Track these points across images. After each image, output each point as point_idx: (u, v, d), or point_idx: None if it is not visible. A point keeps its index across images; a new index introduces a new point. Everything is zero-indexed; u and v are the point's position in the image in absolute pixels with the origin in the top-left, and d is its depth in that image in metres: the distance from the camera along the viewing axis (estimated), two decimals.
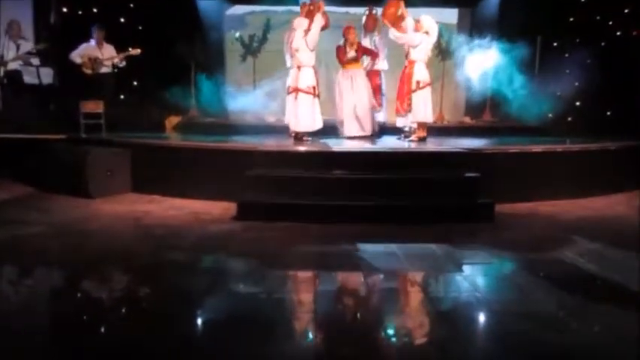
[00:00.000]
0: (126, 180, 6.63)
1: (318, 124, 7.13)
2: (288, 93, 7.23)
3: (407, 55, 7.22)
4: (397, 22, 7.28)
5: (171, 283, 3.61)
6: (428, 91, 7.14)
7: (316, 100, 7.11)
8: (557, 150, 6.77)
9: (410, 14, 7.37)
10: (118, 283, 3.72)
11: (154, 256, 4.19)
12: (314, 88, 7.03)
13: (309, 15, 7.10)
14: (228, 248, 4.45)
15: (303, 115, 7.02)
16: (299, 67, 7.03)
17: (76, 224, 5.13)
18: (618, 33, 9.07)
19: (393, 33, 7.15)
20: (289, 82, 7.24)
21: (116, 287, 3.65)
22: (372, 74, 7.95)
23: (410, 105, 7.12)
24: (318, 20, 6.96)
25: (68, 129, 7.58)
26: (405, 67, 7.24)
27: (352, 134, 7.58)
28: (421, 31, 7.05)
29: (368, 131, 7.63)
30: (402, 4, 7.44)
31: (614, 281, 3.66)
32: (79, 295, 3.53)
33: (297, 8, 10.36)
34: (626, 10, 8.89)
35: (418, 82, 7.03)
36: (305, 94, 6.99)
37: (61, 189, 6.39)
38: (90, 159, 6.34)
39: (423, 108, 7.09)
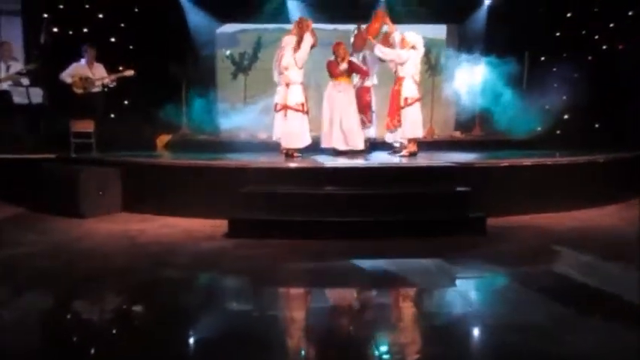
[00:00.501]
0: (117, 199, 6.60)
1: (307, 141, 7.17)
2: (277, 110, 7.27)
3: (395, 72, 7.29)
4: (384, 37, 7.37)
5: (166, 301, 3.60)
6: (417, 107, 7.20)
7: (305, 116, 7.16)
8: (547, 163, 6.82)
9: (397, 29, 7.46)
10: (115, 301, 3.70)
11: (149, 273, 4.18)
12: (302, 104, 7.07)
13: (299, 33, 7.18)
14: (220, 266, 4.44)
15: (293, 132, 7.06)
16: (287, 85, 7.08)
17: (70, 244, 5.10)
18: (604, 47, 9.21)
19: (379, 49, 7.23)
20: (278, 99, 7.28)
21: (113, 305, 3.63)
22: (362, 91, 7.98)
23: (399, 121, 7.19)
24: (308, 39, 7.03)
25: (58, 149, 7.55)
26: (395, 83, 7.30)
27: (337, 147, 7.58)
28: (407, 48, 7.13)
29: (354, 146, 7.62)
30: (388, 19, 7.53)
31: (607, 293, 3.67)
32: (74, 313, 3.51)
33: (287, 26, 10.51)
34: (611, 25, 9.05)
35: (406, 99, 7.10)
36: (294, 111, 7.03)
37: (53, 209, 6.36)
38: (81, 178, 6.31)
39: (413, 124, 7.15)
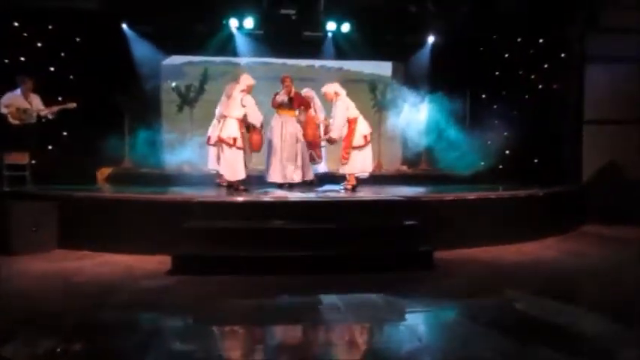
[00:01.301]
0: (53, 235, 6.26)
1: (240, 175, 7.07)
2: (213, 144, 7.34)
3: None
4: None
5: (102, 345, 3.36)
6: (369, 144, 7.36)
7: (240, 151, 7.04)
8: (490, 197, 7.01)
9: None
10: (45, 347, 3.41)
11: (83, 316, 3.91)
12: (235, 139, 6.97)
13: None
14: (163, 305, 4.23)
15: (228, 165, 7.03)
16: (224, 117, 7.06)
17: None
18: (540, 86, 9.68)
19: (335, 132, 7.32)
20: (216, 131, 7.29)
21: (42, 352, 3.34)
22: (309, 126, 7.99)
23: (348, 158, 7.23)
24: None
25: None
26: (349, 123, 7.32)
27: (277, 180, 7.59)
28: (334, 100, 7.30)
29: (292, 179, 7.63)
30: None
31: (552, 324, 3.72)
32: None
33: (234, 59, 10.52)
34: (545, 66, 9.54)
35: (365, 137, 7.23)
36: (227, 145, 6.97)
37: None
38: (13, 213, 5.99)
39: (367, 161, 7.34)
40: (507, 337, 3.48)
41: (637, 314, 3.96)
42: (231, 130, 6.98)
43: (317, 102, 8.02)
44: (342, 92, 7.36)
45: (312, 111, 7.89)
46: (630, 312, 4.04)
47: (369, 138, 7.32)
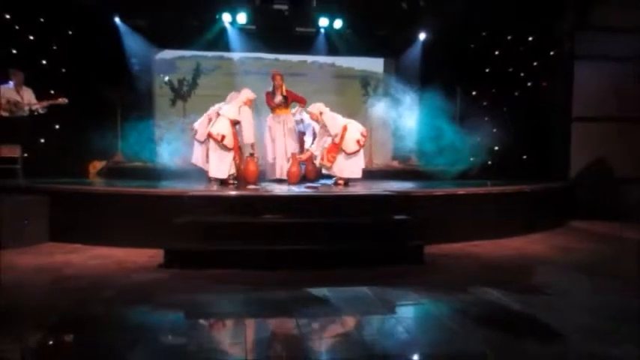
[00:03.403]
0: (44, 229, 6.27)
1: (222, 174, 7.09)
2: (202, 140, 7.35)
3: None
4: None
5: (91, 340, 3.38)
6: (361, 154, 7.36)
7: (228, 152, 7.08)
8: (480, 192, 7.08)
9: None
10: (33, 342, 3.43)
11: (72, 310, 3.92)
12: (223, 136, 6.99)
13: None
14: (154, 298, 4.25)
15: (213, 161, 7.07)
16: (218, 115, 7.11)
17: None
18: (529, 84, 9.76)
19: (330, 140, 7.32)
20: (203, 128, 7.32)
21: (31, 346, 3.37)
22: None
23: (333, 160, 7.23)
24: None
25: None
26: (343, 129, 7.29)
27: (281, 177, 7.69)
28: (320, 117, 7.27)
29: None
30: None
31: (538, 318, 3.80)
32: None
33: (226, 54, 10.52)
34: (535, 63, 9.62)
35: (358, 141, 7.23)
36: (214, 140, 7.01)
37: None
38: (4, 207, 5.97)
39: (358, 167, 7.33)
40: (496, 331, 3.55)
41: (624, 309, 4.04)
42: (222, 127, 7.01)
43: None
44: (326, 110, 7.33)
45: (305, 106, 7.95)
46: (617, 306, 4.12)
47: (362, 142, 7.26)
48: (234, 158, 7.12)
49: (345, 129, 7.20)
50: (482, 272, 5.16)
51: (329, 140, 7.27)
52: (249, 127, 7.17)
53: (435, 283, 4.71)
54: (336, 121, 7.25)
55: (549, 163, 9.27)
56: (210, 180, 7.27)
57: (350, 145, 7.20)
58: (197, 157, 7.59)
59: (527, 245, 6.49)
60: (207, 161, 7.23)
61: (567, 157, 9.02)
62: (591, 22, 8.88)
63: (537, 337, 3.43)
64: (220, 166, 7.05)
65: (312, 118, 7.47)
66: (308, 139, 8.16)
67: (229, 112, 7.10)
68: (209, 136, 7.03)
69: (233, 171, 7.18)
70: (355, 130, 7.29)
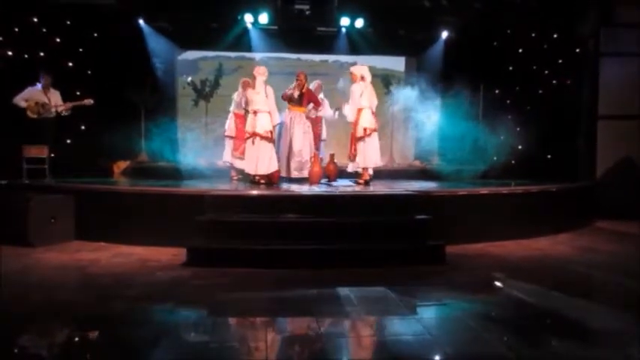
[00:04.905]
0: (70, 227, 6.39)
1: (273, 167, 7.26)
2: (246, 138, 7.39)
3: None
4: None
5: (115, 336, 3.44)
6: (375, 137, 7.32)
7: (271, 144, 7.27)
8: (503, 192, 6.99)
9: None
10: (60, 337, 3.51)
11: (98, 307, 4.00)
12: (271, 132, 7.17)
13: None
14: (176, 296, 4.30)
15: (262, 159, 7.16)
16: (255, 113, 7.13)
17: (15, 275, 4.85)
18: (554, 82, 9.61)
19: (345, 110, 7.47)
20: (248, 127, 7.37)
21: (58, 341, 3.44)
22: (314, 121, 8.08)
23: (355, 151, 7.27)
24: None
25: (9, 174, 7.29)
26: (356, 114, 7.36)
27: (292, 175, 7.70)
28: (357, 81, 7.30)
29: (305, 174, 7.73)
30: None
31: (565, 319, 3.74)
32: (17, 350, 3.31)
33: (248, 54, 10.60)
34: (559, 61, 9.47)
35: (365, 129, 7.21)
36: (262, 139, 7.11)
37: (0, 238, 6.07)
38: (31, 205, 6.09)
39: (371, 153, 7.28)
40: (519, 332, 3.50)
41: None
42: (266, 123, 7.14)
43: (322, 96, 8.09)
44: (368, 78, 7.36)
45: (320, 108, 7.99)
46: None
47: (368, 131, 7.26)
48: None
49: (359, 112, 7.26)
50: (504, 272, 5.10)
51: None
52: (274, 108, 7.36)
53: (457, 284, 4.68)
54: (360, 99, 7.26)
55: (574, 163, 9.11)
56: (233, 179, 7.33)
57: (359, 130, 7.27)
58: (228, 154, 7.77)
59: (552, 246, 6.39)
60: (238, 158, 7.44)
61: (593, 157, 8.86)
62: (616, 18, 8.71)
63: (563, 340, 3.37)
64: (264, 160, 7.17)
65: (351, 78, 7.45)
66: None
67: (265, 106, 7.20)
68: (255, 135, 7.13)
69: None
70: (368, 118, 7.29)
